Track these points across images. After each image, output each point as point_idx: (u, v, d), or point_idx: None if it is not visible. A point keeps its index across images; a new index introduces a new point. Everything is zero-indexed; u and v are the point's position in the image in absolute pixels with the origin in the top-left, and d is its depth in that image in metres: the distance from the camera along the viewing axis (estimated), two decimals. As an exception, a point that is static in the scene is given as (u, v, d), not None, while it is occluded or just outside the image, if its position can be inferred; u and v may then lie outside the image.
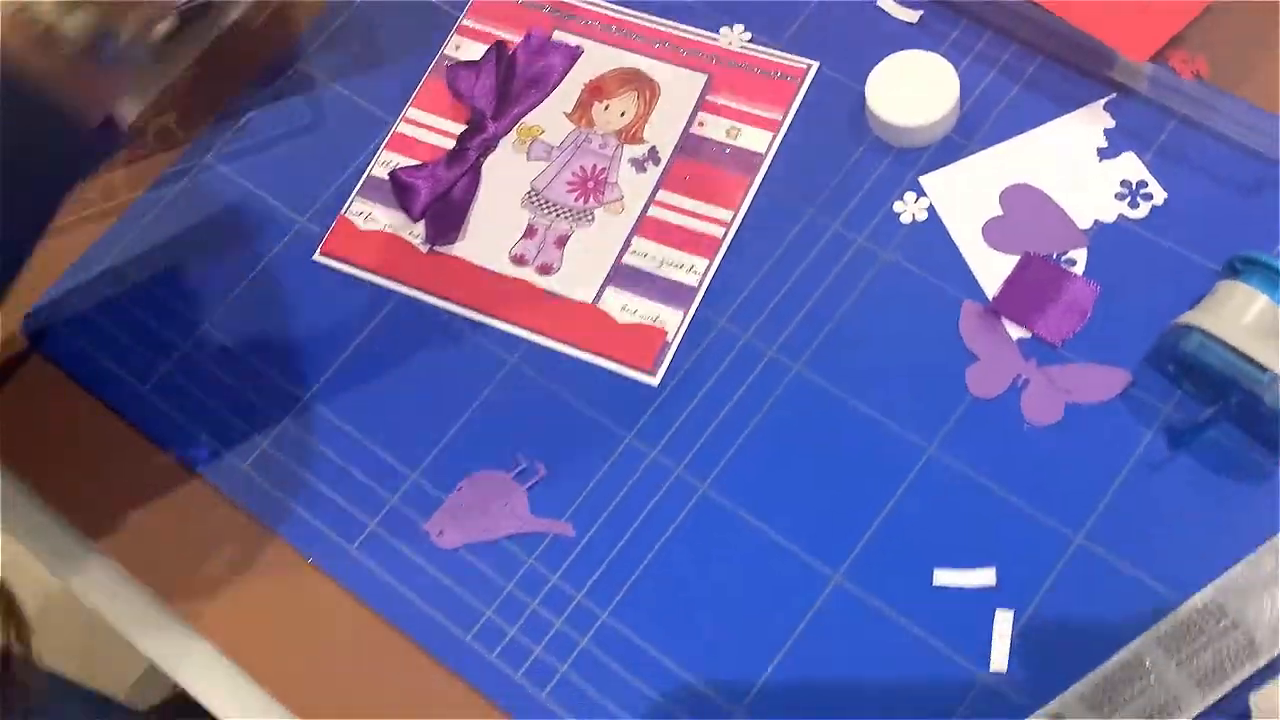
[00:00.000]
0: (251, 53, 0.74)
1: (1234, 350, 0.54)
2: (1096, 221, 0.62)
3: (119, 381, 0.66)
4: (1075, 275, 0.61)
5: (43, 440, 0.66)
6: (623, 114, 0.69)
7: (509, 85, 0.69)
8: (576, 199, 0.67)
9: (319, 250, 0.68)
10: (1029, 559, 0.56)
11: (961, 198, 0.64)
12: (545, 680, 0.57)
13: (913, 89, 0.65)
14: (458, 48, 0.72)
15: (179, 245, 0.70)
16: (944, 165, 0.65)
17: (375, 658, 0.58)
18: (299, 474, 0.62)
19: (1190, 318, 0.56)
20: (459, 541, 0.60)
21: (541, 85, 0.70)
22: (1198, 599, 0.53)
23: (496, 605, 0.58)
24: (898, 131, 0.65)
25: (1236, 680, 0.52)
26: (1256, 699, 0.51)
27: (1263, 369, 0.54)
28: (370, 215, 0.68)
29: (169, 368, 0.66)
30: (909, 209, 0.64)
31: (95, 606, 0.63)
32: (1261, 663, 0.52)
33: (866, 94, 0.65)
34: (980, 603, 0.55)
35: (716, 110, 0.68)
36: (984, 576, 0.56)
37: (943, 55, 0.66)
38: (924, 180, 0.65)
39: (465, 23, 0.73)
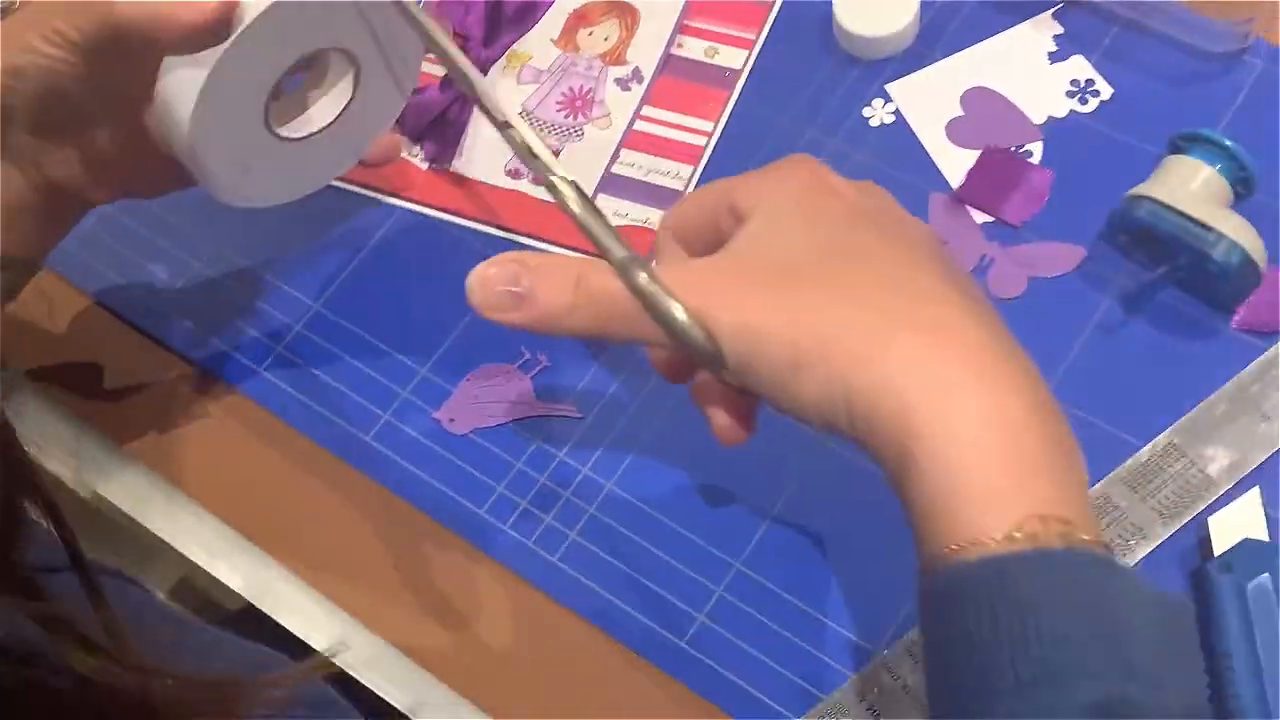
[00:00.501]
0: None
1: (1182, 214, 0.59)
2: (1050, 117, 0.67)
3: (128, 293, 0.70)
4: (1032, 164, 0.66)
5: (53, 348, 0.69)
6: (606, 38, 0.73)
7: (498, 16, 0.74)
8: (566, 116, 0.71)
9: (324, 171, 0.72)
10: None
11: (925, 101, 0.69)
12: (556, 545, 0.60)
13: (876, 3, 0.70)
14: None
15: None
16: (908, 74, 0.70)
17: (398, 538, 0.62)
18: (313, 374, 0.66)
19: (1141, 189, 0.61)
20: (469, 427, 0.64)
21: (529, 15, 0.74)
22: (1158, 441, 0.58)
23: (507, 481, 0.62)
24: (864, 43, 0.70)
25: (1195, 511, 0.57)
26: (1213, 523, 0.56)
27: (1208, 229, 0.59)
28: (371, 138, 0.72)
29: (184, 281, 0.70)
30: (877, 114, 0.69)
31: (128, 510, 0.66)
32: (1216, 495, 0.57)
33: (834, 8, 0.70)
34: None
35: (695, 33, 0.73)
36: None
37: (903, -25, 0.71)
38: (890, 87, 0.70)
39: (453, -36, 0.78)
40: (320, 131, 0.60)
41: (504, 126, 0.51)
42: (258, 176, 0.60)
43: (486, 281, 0.47)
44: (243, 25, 0.51)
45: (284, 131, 0.59)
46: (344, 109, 0.60)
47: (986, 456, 0.40)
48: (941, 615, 0.41)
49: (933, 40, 0.70)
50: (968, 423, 0.41)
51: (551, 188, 0.49)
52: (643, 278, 0.45)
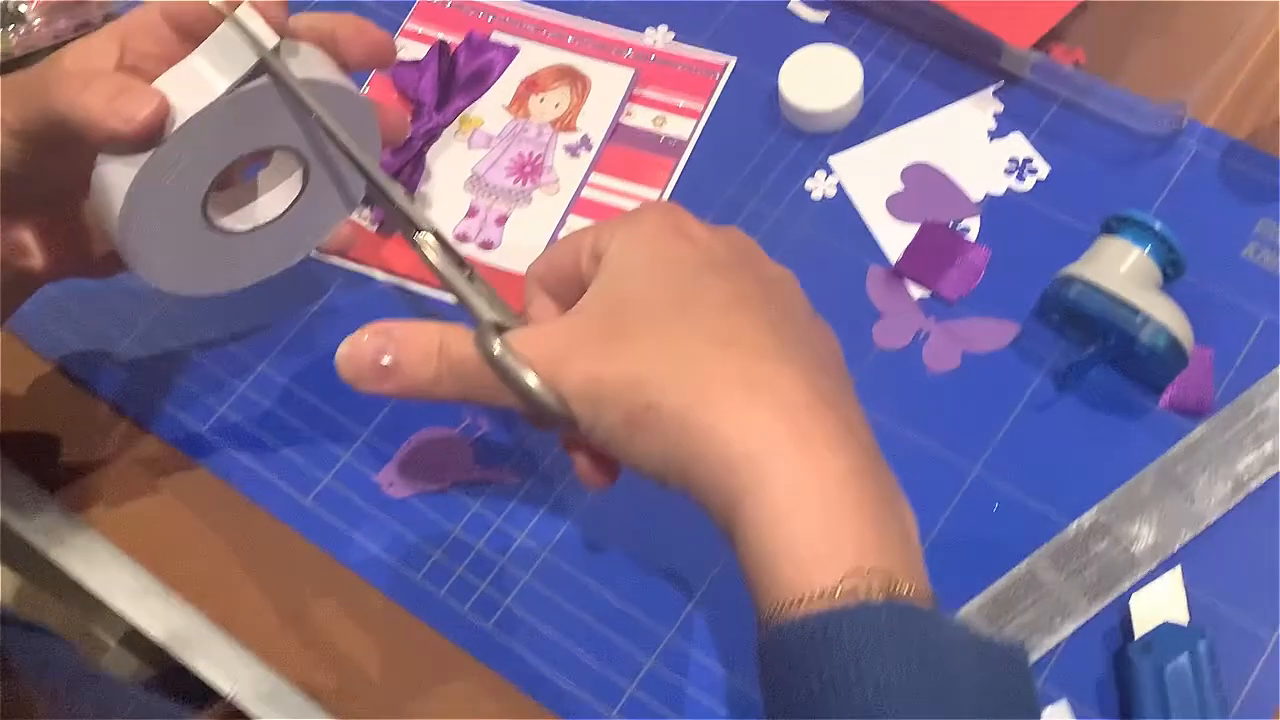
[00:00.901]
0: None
1: (1111, 295, 0.61)
2: (987, 194, 0.69)
3: (87, 356, 0.70)
4: (969, 241, 0.67)
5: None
6: (557, 105, 0.74)
7: (451, 81, 0.75)
8: (515, 182, 0.72)
9: (273, 232, 0.73)
10: (932, 490, 0.61)
11: (866, 175, 0.70)
12: (491, 612, 0.61)
13: (821, 79, 0.71)
14: (402, 49, 0.77)
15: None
16: (850, 147, 0.71)
17: (333, 601, 0.62)
18: (257, 435, 0.67)
19: (1072, 269, 0.62)
20: (408, 491, 0.64)
21: (481, 81, 0.75)
22: (1084, 519, 0.59)
23: (445, 546, 0.63)
24: (808, 117, 0.71)
25: (1120, 590, 0.58)
26: (1134, 603, 0.56)
27: (1136, 311, 0.60)
28: (322, 200, 0.73)
29: (129, 342, 0.70)
30: (819, 186, 0.70)
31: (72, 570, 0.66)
32: (1140, 575, 0.58)
33: (780, 83, 0.71)
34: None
35: (644, 102, 0.74)
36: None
37: (848, 50, 0.72)
38: (833, 160, 0.71)
39: (409, 26, 0.79)
40: (266, 225, 0.60)
41: (369, 180, 0.53)
42: (195, 268, 0.59)
43: (355, 354, 0.47)
44: (174, 127, 0.51)
45: (228, 223, 0.58)
46: (291, 204, 0.60)
47: (806, 517, 0.41)
48: (772, 670, 0.41)
49: (875, 115, 0.72)
50: (786, 484, 0.41)
51: (413, 244, 0.50)
52: (496, 346, 0.46)
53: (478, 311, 0.48)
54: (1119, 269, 0.61)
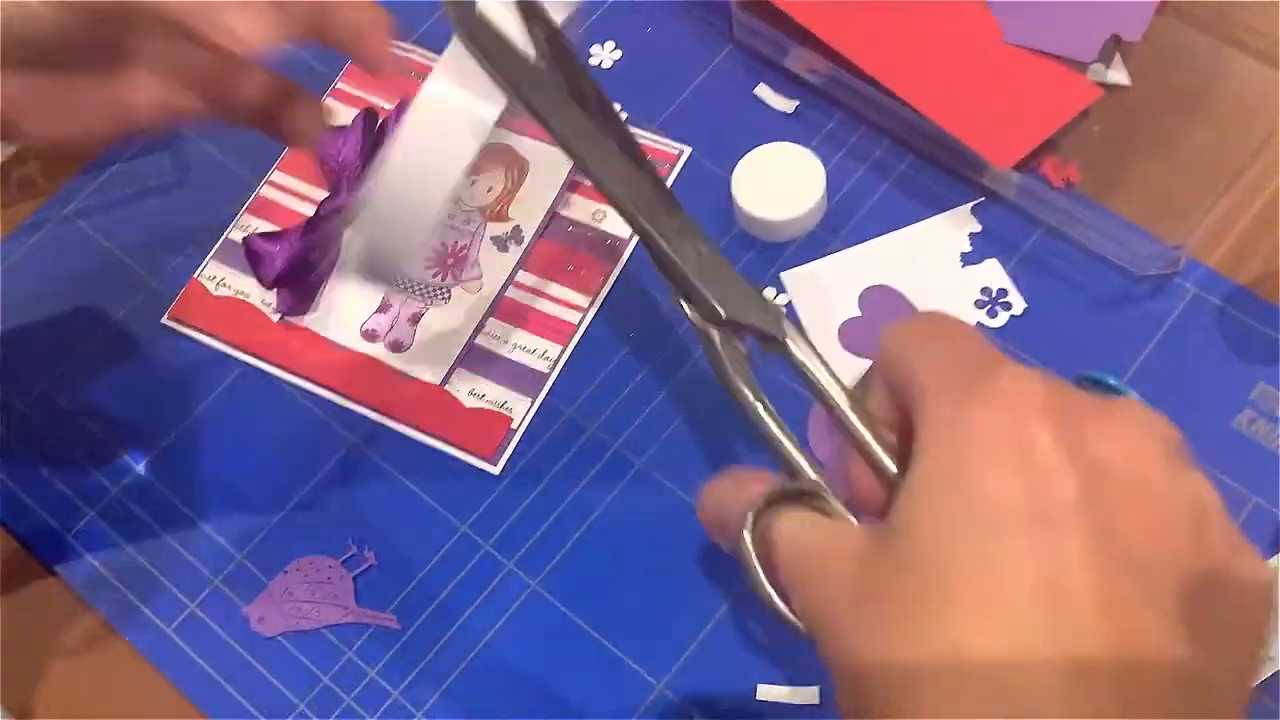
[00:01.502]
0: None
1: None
2: (954, 328, 0.61)
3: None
4: (927, 383, 0.60)
5: None
6: (489, 190, 0.67)
7: (374, 153, 0.68)
8: (435, 275, 0.65)
9: (167, 314, 0.66)
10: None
11: (820, 296, 0.63)
12: (354, 779, 0.55)
13: (779, 182, 0.64)
14: (330, 111, 0.71)
15: (25, 302, 0.68)
16: (806, 262, 0.64)
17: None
18: (121, 546, 0.61)
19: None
20: (279, 629, 0.58)
21: (409, 156, 0.68)
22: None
23: (311, 698, 0.56)
24: (761, 224, 0.64)
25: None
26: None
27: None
28: (223, 280, 0.67)
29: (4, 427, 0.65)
30: (768, 304, 0.63)
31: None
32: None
33: (732, 185, 0.64)
34: (803, 721, 0.54)
35: (584, 191, 0.67)
36: (807, 694, 0.54)
37: (814, 148, 0.65)
38: (785, 276, 0.64)
39: (339, 86, 0.72)
40: None
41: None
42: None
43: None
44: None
45: None
46: None
47: None
48: None
49: (838, 225, 0.64)
50: None
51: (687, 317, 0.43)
52: (747, 537, 0.36)
53: (789, 463, 0.38)
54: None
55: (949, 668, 0.30)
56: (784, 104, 0.68)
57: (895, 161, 0.66)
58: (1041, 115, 0.63)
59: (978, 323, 0.61)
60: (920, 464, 0.33)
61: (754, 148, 0.65)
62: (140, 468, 0.62)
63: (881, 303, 0.62)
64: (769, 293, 0.63)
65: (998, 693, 0.29)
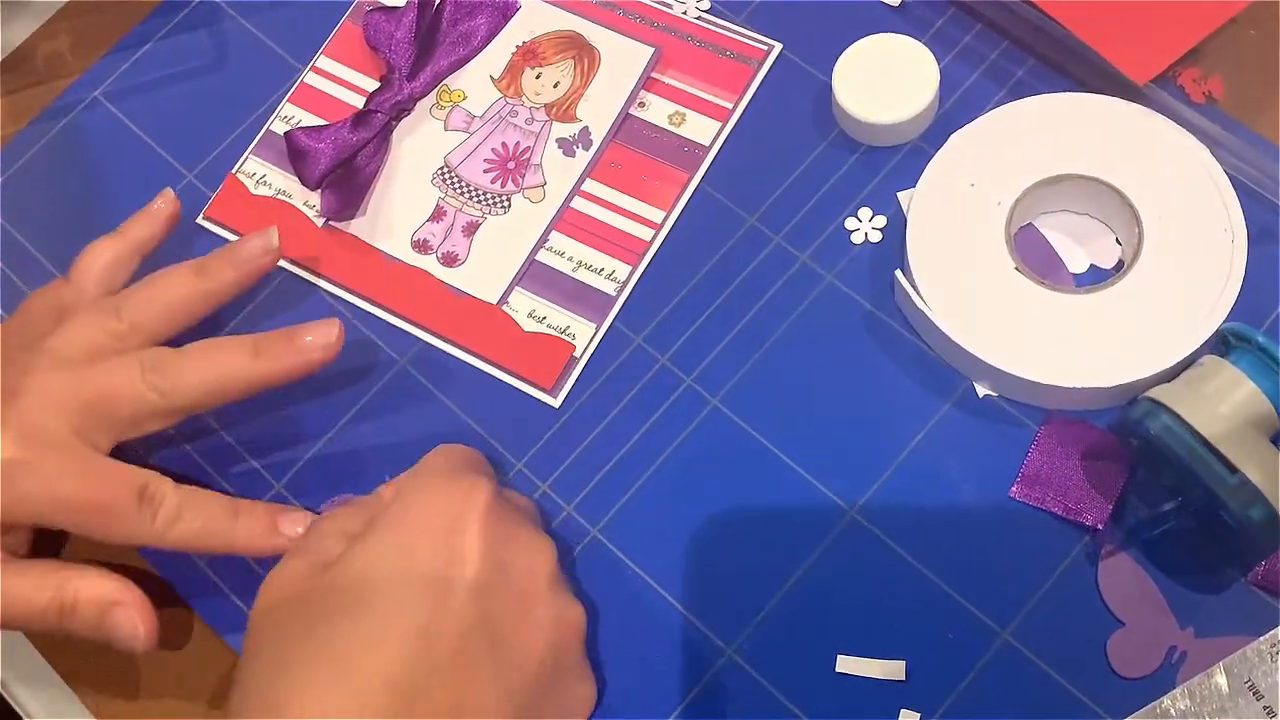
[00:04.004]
0: (158, -27, 0.67)
1: (1203, 442, 0.47)
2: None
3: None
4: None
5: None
6: (556, 85, 0.61)
7: (431, 39, 0.61)
8: (494, 180, 0.59)
9: (203, 213, 0.61)
10: (946, 652, 0.49)
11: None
12: None
13: (887, 79, 0.57)
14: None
15: (48, 194, 0.62)
16: (913, 173, 0.57)
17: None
18: (146, 466, 0.56)
19: (1162, 393, 0.49)
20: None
21: (467, 42, 0.62)
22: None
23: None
24: (867, 128, 0.57)
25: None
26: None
27: (1232, 469, 0.46)
28: (263, 178, 0.61)
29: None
30: (862, 227, 0.57)
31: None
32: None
33: (834, 81, 0.57)
34: (886, 698, 0.49)
35: (662, 90, 0.60)
36: (892, 669, 0.49)
37: (923, 44, 0.58)
38: (904, 197, 0.57)
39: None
40: None
41: None
42: None
43: None
44: None
45: None
46: None
47: None
48: None
49: (946, 136, 0.57)
50: None
51: None
52: None
53: None
54: (1219, 407, 0.48)
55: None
56: (889, -4, 0.61)
57: (1013, 67, 0.58)
58: (1186, 20, 0.55)
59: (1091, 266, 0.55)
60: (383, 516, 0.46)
61: (853, 43, 0.58)
62: (172, 383, 0.58)
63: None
64: (864, 213, 0.57)
65: (349, 692, 0.40)
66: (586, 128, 0.59)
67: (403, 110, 0.61)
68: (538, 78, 0.61)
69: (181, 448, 0.57)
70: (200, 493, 0.50)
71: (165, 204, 0.56)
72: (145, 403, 0.50)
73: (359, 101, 0.61)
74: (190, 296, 0.52)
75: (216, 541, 0.50)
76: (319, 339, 0.51)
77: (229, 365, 0.50)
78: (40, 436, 0.48)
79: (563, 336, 0.56)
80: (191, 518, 0.49)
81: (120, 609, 0.48)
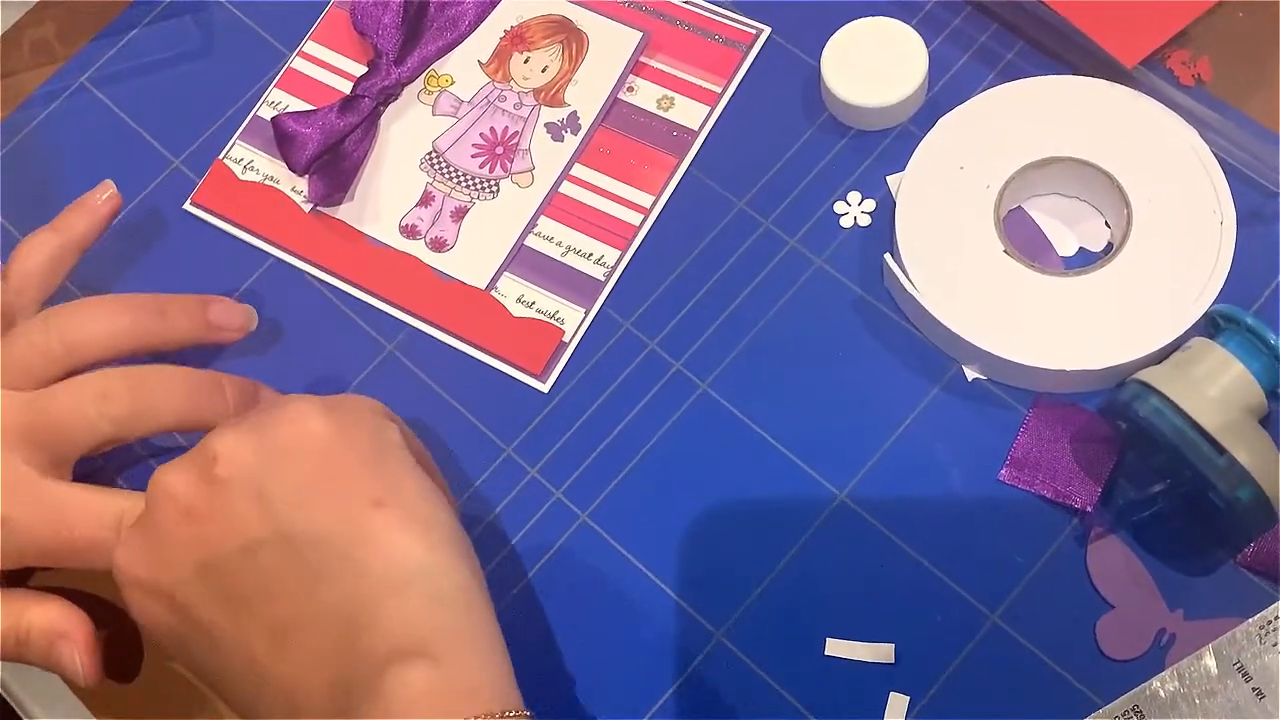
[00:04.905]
0: (144, -41, 0.66)
1: (1191, 424, 0.47)
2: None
3: None
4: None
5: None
6: (544, 69, 0.60)
7: (419, 24, 0.61)
8: (482, 165, 0.59)
9: (190, 199, 0.61)
10: (935, 635, 0.49)
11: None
12: None
13: (875, 62, 0.57)
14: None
15: (35, 180, 0.62)
16: (902, 156, 0.57)
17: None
18: (131, 450, 0.56)
19: (1151, 375, 0.49)
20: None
21: (455, 26, 0.61)
22: (1116, 707, 0.47)
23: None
24: (855, 111, 0.57)
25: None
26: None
27: (1220, 450, 0.46)
28: (251, 164, 0.61)
29: (16, 319, 0.60)
30: (851, 211, 0.56)
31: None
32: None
33: (822, 65, 0.57)
34: (875, 680, 0.49)
35: (651, 75, 0.60)
36: (881, 652, 0.49)
37: (911, 28, 0.58)
38: (893, 180, 0.56)
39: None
40: None
41: None
42: None
43: None
44: None
45: None
46: None
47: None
48: None
49: (935, 119, 0.57)
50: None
51: None
52: None
53: None
54: (1208, 389, 0.48)
55: None
56: (878, -21, 0.60)
57: (1002, 50, 0.58)
58: (1175, 4, 0.55)
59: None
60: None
61: (841, 27, 0.58)
62: (159, 369, 0.58)
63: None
64: (853, 197, 0.57)
65: None
66: (575, 112, 0.59)
67: (390, 95, 0.60)
68: (526, 62, 0.61)
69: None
70: None
71: (105, 198, 0.55)
72: (98, 433, 0.48)
73: (346, 87, 0.61)
74: (132, 332, 0.51)
75: None
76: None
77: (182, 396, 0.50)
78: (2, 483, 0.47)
79: (552, 321, 0.56)
80: None
81: (64, 642, 0.47)
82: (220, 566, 0.41)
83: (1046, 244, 0.55)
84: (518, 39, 0.61)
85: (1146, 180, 0.53)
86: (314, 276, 0.58)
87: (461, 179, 0.59)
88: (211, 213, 0.60)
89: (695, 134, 0.58)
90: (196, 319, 0.53)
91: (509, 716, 0.39)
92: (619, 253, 0.57)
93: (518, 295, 0.56)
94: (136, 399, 0.49)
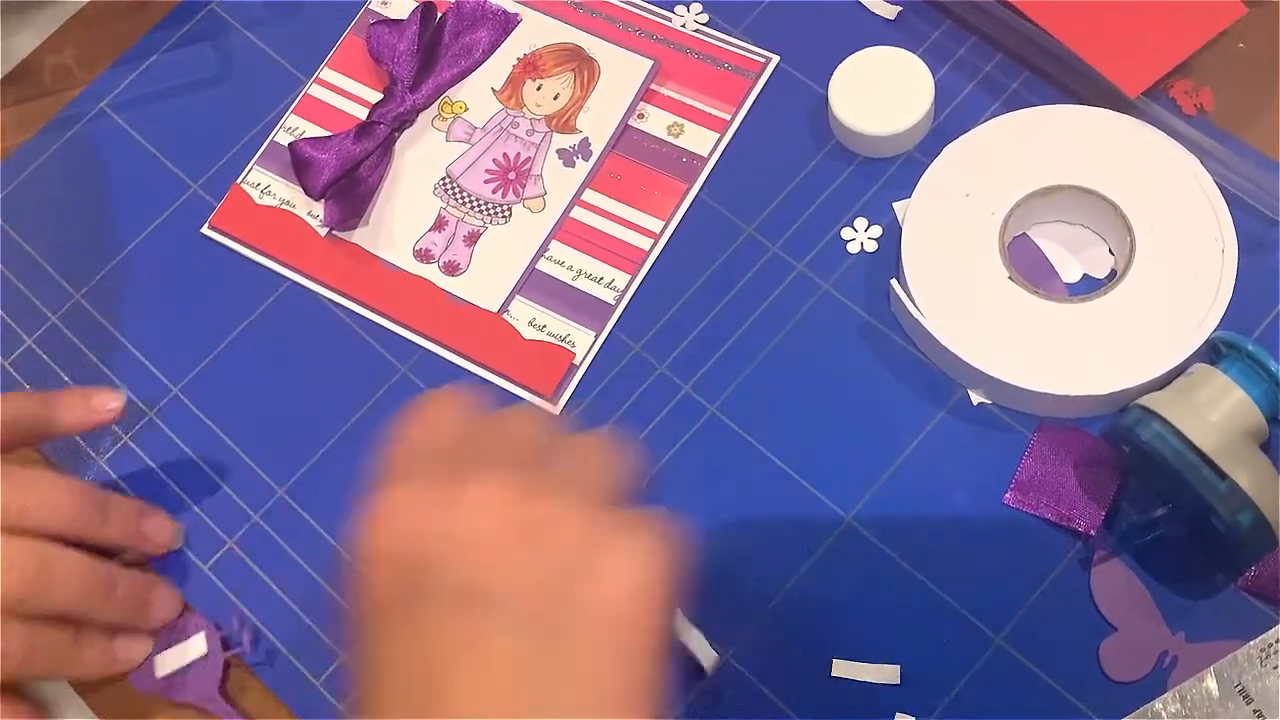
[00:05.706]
0: (164, -13, 0.67)
1: (1193, 449, 0.48)
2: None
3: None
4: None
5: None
6: (556, 96, 0.61)
7: (433, 52, 0.62)
8: (495, 190, 0.60)
9: (208, 223, 0.62)
10: (940, 657, 0.50)
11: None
12: None
13: (882, 91, 0.58)
14: (385, 3, 0.65)
15: (55, 204, 0.63)
16: (908, 182, 0.57)
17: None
18: (154, 473, 0.57)
19: (1154, 401, 0.50)
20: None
21: (469, 54, 0.62)
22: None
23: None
24: (863, 139, 0.58)
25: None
26: None
27: (1221, 475, 0.47)
28: (268, 188, 0.62)
29: (33, 339, 0.60)
30: (858, 236, 0.57)
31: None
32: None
33: (830, 94, 0.58)
34: (881, 701, 0.50)
35: (661, 102, 0.61)
36: (887, 673, 0.50)
37: (918, 57, 0.58)
38: (899, 207, 0.57)
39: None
40: None
41: None
42: None
43: None
44: None
45: None
46: None
47: None
48: None
49: (941, 148, 0.58)
50: None
51: None
52: None
53: None
54: (1210, 415, 0.48)
55: None
56: (885, 9, 0.61)
57: (1007, 79, 0.59)
58: (1178, 34, 0.56)
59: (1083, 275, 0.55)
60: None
61: (849, 56, 0.59)
62: (176, 389, 0.58)
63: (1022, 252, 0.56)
64: (860, 223, 0.57)
65: None
66: (586, 139, 0.60)
67: (405, 121, 0.61)
68: (538, 89, 0.62)
69: (183, 452, 0.57)
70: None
71: (109, 408, 0.54)
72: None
73: (362, 113, 0.62)
74: (70, 526, 0.50)
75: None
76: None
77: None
78: None
79: (563, 344, 0.57)
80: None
81: None
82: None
83: (1051, 270, 0.55)
84: (530, 67, 0.62)
85: (1149, 208, 0.54)
86: (329, 299, 0.59)
87: (474, 204, 0.60)
88: (229, 236, 0.61)
89: (705, 160, 0.59)
90: (131, 527, 0.53)
91: None
92: (629, 277, 0.58)
93: (530, 318, 0.57)
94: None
